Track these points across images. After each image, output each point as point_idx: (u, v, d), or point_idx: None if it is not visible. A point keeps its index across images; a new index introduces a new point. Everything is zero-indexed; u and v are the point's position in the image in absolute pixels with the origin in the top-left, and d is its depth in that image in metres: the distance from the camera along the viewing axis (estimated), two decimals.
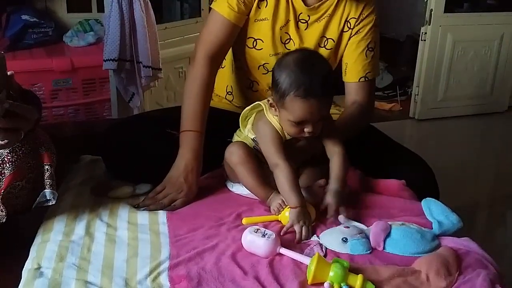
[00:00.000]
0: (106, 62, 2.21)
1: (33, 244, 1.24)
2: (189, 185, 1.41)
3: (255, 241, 1.15)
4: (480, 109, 3.61)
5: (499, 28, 3.48)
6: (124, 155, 1.49)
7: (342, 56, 1.60)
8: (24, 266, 1.16)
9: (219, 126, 1.51)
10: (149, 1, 2.25)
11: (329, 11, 1.55)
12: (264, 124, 1.36)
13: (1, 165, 1.30)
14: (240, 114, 1.52)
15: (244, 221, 1.28)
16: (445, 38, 3.36)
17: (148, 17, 2.23)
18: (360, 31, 1.56)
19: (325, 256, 1.16)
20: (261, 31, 1.55)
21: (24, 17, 2.59)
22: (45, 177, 1.36)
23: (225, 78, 1.69)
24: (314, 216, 1.28)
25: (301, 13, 1.54)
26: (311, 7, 1.53)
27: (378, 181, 1.48)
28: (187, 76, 1.57)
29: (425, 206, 1.33)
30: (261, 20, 1.54)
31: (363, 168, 1.51)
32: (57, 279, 1.10)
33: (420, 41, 3.39)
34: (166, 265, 1.14)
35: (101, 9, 2.64)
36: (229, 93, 1.70)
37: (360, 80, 1.58)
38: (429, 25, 3.31)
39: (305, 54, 1.34)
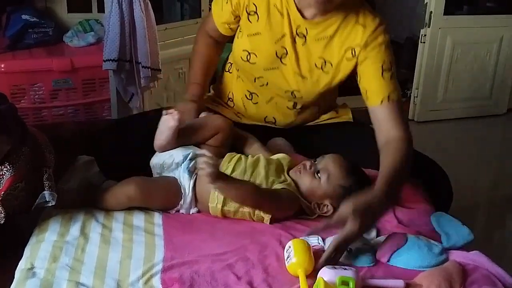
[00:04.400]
0: (105, 63, 2.21)
1: (28, 244, 1.24)
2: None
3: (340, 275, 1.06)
4: (479, 111, 3.61)
5: (499, 30, 3.48)
6: (118, 156, 1.49)
7: (339, 82, 1.52)
8: (18, 266, 1.16)
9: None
10: (149, 2, 2.24)
11: (330, 32, 1.45)
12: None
13: (1, 167, 1.30)
14: (239, 122, 1.61)
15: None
16: (444, 40, 3.36)
17: (148, 18, 2.23)
18: (369, 57, 1.44)
19: None
20: (254, 45, 1.51)
21: (24, 17, 2.58)
22: (44, 179, 1.36)
23: (228, 84, 1.70)
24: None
25: (299, 25, 1.47)
26: (311, 20, 1.45)
27: None
28: (195, 40, 1.73)
29: (434, 219, 1.32)
30: (254, 34, 1.51)
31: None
32: (49, 280, 1.10)
33: (419, 43, 3.39)
34: (159, 267, 1.14)
35: (101, 9, 2.63)
36: (230, 99, 1.70)
37: (383, 102, 1.42)
38: (429, 27, 3.31)
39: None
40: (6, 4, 2.64)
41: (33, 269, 1.14)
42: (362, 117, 1.80)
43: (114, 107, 2.42)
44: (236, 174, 1.36)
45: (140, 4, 2.18)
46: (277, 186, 1.34)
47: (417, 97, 3.47)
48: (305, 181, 1.35)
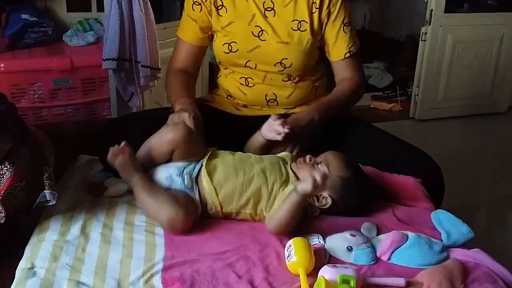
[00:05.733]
0: (105, 62, 2.21)
1: (28, 243, 1.24)
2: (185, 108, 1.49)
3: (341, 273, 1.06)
4: (480, 109, 3.61)
5: (499, 28, 3.48)
6: None
7: (320, 37, 1.63)
8: (18, 265, 1.16)
9: (220, 127, 1.52)
10: (148, 1, 2.24)
11: None
12: None
13: (2, 166, 1.30)
14: (242, 115, 1.63)
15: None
16: (445, 38, 3.36)
17: (147, 17, 2.22)
18: (332, 11, 1.60)
19: (328, 262, 1.15)
20: (231, 34, 1.60)
21: (23, 16, 2.58)
22: (44, 178, 1.36)
23: (223, 84, 1.74)
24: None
25: (264, 1, 1.58)
26: None
27: (393, 176, 1.47)
28: (166, 83, 1.72)
29: (434, 217, 1.32)
30: (227, 25, 1.60)
31: (373, 166, 1.50)
32: (49, 279, 1.10)
33: (420, 41, 3.39)
34: (160, 266, 1.14)
35: (101, 8, 2.63)
36: (229, 95, 1.72)
37: (346, 56, 1.64)
38: (429, 25, 3.30)
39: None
40: (6, 4, 2.64)
41: (33, 269, 1.14)
42: (360, 116, 1.81)
43: (114, 106, 2.42)
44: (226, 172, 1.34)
45: (139, 3, 2.17)
46: (284, 191, 1.32)
47: (417, 95, 3.47)
48: (305, 173, 1.35)
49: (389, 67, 4.07)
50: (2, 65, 2.36)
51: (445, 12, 3.31)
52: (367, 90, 3.84)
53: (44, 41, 2.62)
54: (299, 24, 1.59)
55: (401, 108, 3.66)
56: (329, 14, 1.60)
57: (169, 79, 1.70)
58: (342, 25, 1.62)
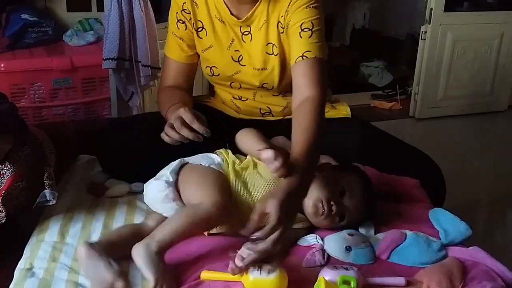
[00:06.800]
0: (105, 61, 2.21)
1: (28, 243, 1.24)
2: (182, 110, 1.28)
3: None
4: (480, 108, 3.61)
5: (499, 27, 3.48)
6: (120, 155, 1.49)
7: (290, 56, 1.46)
8: (17, 266, 1.16)
9: (218, 127, 1.52)
10: (148, 0, 2.24)
11: (264, 16, 1.47)
12: None
13: (2, 166, 1.30)
14: (241, 118, 1.60)
15: (202, 275, 1.09)
16: (445, 37, 3.36)
17: (147, 16, 2.23)
18: (291, 20, 1.42)
19: (326, 262, 1.15)
20: (211, 58, 1.56)
21: (23, 16, 2.58)
22: (45, 178, 1.37)
23: (217, 93, 1.72)
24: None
25: (240, 26, 1.51)
26: (244, 18, 1.48)
27: (393, 178, 1.47)
28: (158, 102, 1.57)
29: (432, 215, 1.31)
30: (207, 48, 1.56)
31: (372, 166, 1.49)
32: (47, 280, 1.10)
33: (420, 40, 3.39)
34: None
35: (101, 8, 2.63)
36: (224, 103, 1.72)
37: (297, 61, 1.37)
38: (429, 24, 3.30)
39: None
40: (6, 4, 2.64)
41: (32, 269, 1.14)
42: (360, 115, 1.81)
43: (114, 106, 2.42)
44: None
45: (139, 3, 2.17)
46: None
47: (417, 94, 3.47)
48: (324, 224, 1.25)
49: (389, 66, 4.07)
50: (2, 65, 2.36)
51: (445, 11, 3.31)
52: (367, 89, 3.87)
53: (44, 41, 2.62)
54: (273, 47, 1.49)
55: (401, 107, 3.66)
56: (288, 24, 1.44)
57: (160, 96, 1.57)
58: (300, 30, 1.40)
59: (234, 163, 1.27)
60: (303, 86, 1.35)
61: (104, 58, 2.20)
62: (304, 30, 1.40)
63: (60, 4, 2.81)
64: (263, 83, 1.56)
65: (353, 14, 4.52)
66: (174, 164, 1.27)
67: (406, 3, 4.32)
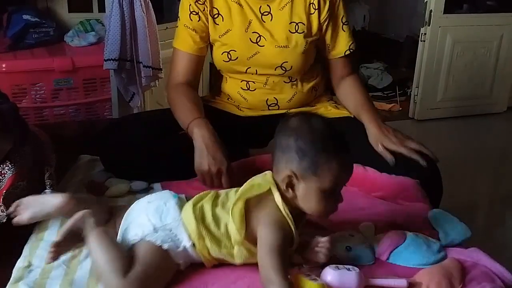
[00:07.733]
0: (106, 62, 2.22)
1: (27, 242, 1.25)
2: (215, 155, 1.41)
3: (344, 275, 1.04)
4: (479, 109, 3.62)
5: (498, 29, 3.49)
6: (122, 154, 1.50)
7: (317, 39, 1.63)
8: (16, 264, 1.17)
9: (221, 127, 1.53)
10: (149, 1, 2.25)
11: None
12: (278, 223, 1.04)
13: (3, 166, 1.31)
14: (244, 116, 1.61)
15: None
16: (444, 38, 3.37)
17: (148, 17, 2.23)
18: (333, 11, 1.62)
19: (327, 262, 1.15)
20: (229, 42, 1.60)
21: (25, 17, 2.59)
22: (46, 177, 1.37)
23: (223, 89, 1.72)
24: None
25: (260, 6, 1.58)
26: None
27: (391, 177, 1.47)
28: (169, 99, 1.65)
29: (432, 216, 1.31)
30: (225, 33, 1.60)
31: (372, 166, 1.50)
32: (44, 278, 1.10)
33: (419, 41, 3.40)
34: None
35: (102, 9, 2.64)
36: (229, 98, 1.72)
37: (346, 54, 1.67)
38: (429, 25, 3.31)
39: (303, 115, 1.12)
40: (7, 4, 2.65)
41: (30, 267, 1.14)
42: None
43: (115, 106, 2.43)
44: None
45: (140, 4, 2.18)
46: None
47: (417, 95, 3.48)
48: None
49: (388, 68, 4.07)
50: (4, 66, 2.37)
51: (444, 13, 3.31)
52: (367, 90, 3.86)
53: (46, 42, 2.63)
54: (297, 26, 1.59)
55: (400, 108, 3.67)
56: (330, 14, 1.61)
57: (173, 96, 1.61)
58: (342, 23, 1.65)
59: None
60: (347, 71, 1.70)
61: (105, 58, 2.21)
62: (345, 23, 1.66)
63: (61, 5, 2.83)
64: (283, 62, 1.59)
65: (353, 16, 4.53)
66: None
67: (406, 5, 4.33)
